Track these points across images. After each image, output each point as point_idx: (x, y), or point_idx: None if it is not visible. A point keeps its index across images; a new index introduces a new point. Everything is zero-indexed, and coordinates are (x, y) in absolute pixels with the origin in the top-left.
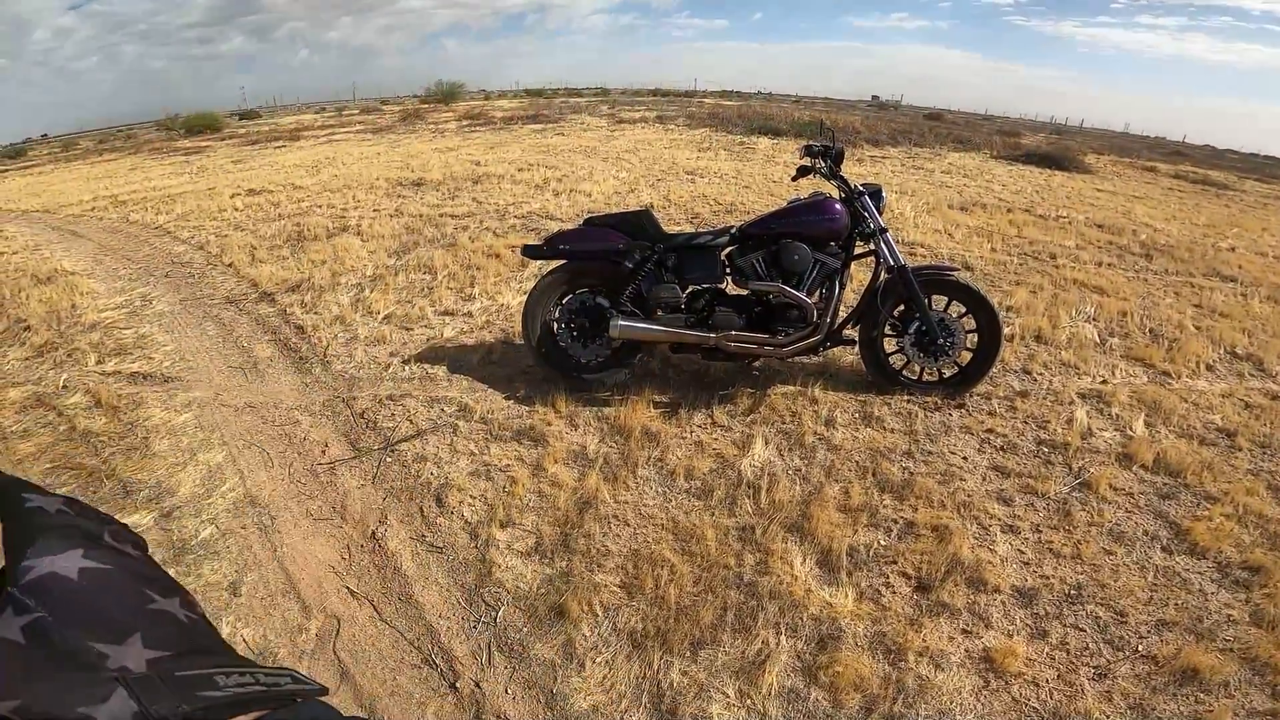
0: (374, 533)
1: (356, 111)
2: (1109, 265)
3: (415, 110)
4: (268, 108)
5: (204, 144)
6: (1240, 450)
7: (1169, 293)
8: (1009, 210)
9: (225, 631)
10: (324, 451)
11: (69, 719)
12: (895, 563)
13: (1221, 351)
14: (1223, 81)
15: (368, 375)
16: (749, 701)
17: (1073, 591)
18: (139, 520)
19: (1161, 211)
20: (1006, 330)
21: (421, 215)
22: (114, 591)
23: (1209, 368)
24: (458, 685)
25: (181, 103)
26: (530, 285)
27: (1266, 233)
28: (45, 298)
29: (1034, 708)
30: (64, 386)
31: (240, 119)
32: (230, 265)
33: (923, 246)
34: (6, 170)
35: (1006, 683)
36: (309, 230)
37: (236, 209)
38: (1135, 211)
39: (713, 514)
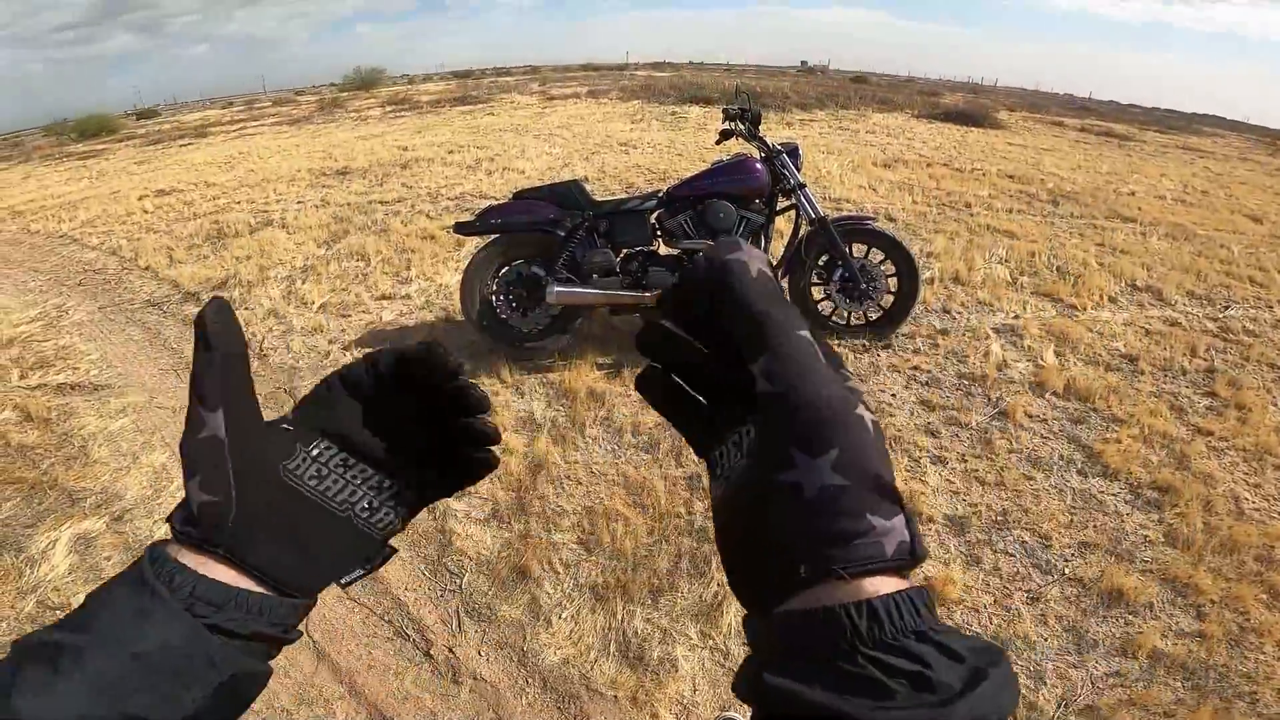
0: None
1: (269, 104)
2: (1019, 212)
3: (334, 99)
4: (168, 106)
5: (100, 147)
6: (1143, 374)
7: (1074, 234)
8: (929, 165)
9: None
10: None
11: None
12: None
13: (1123, 284)
14: (1125, 37)
15: (308, 365)
16: (711, 641)
17: (999, 518)
18: (91, 526)
19: (1068, 162)
20: (926, 274)
21: (349, 204)
22: None
23: (1112, 300)
24: (432, 653)
25: (69, 107)
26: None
27: (1164, 178)
28: None
29: (976, 633)
30: None
31: (138, 118)
32: (147, 268)
33: (849, 201)
34: None
35: (948, 610)
36: (229, 227)
37: (146, 211)
38: (1044, 163)
39: (661, 466)
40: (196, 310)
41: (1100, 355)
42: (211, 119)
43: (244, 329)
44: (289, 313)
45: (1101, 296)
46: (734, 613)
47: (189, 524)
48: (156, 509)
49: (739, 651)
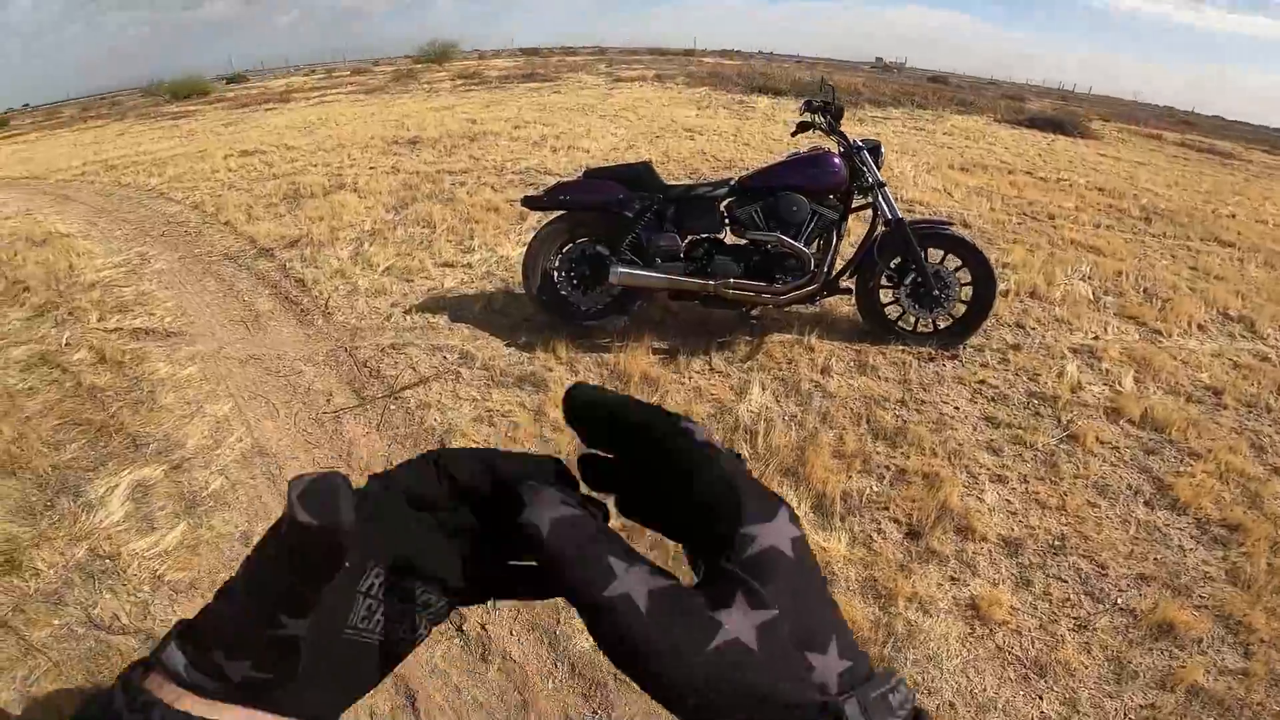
0: None
1: (347, 73)
2: (1108, 227)
3: (408, 70)
4: (256, 71)
5: (192, 109)
6: (1226, 409)
7: (1166, 255)
8: (1010, 172)
9: None
10: (329, 400)
11: None
12: (887, 508)
13: (1214, 313)
14: (1234, 51)
15: (370, 325)
16: None
17: (1056, 542)
18: (149, 474)
19: (1164, 177)
20: (1002, 285)
21: (418, 172)
22: (817, 575)
23: (1201, 328)
24: (464, 629)
25: (167, 70)
26: (529, 238)
27: (1269, 201)
28: (42, 259)
29: (1017, 656)
30: (67, 344)
31: (228, 83)
32: (227, 223)
33: (921, 204)
34: None
35: (991, 630)
36: (305, 188)
37: (230, 170)
38: (1138, 177)
39: None
40: (270, 265)
41: (1183, 385)
42: (295, 85)
43: (311, 286)
44: (355, 273)
45: (1190, 323)
46: None
47: (202, 672)
48: (214, 460)
49: None
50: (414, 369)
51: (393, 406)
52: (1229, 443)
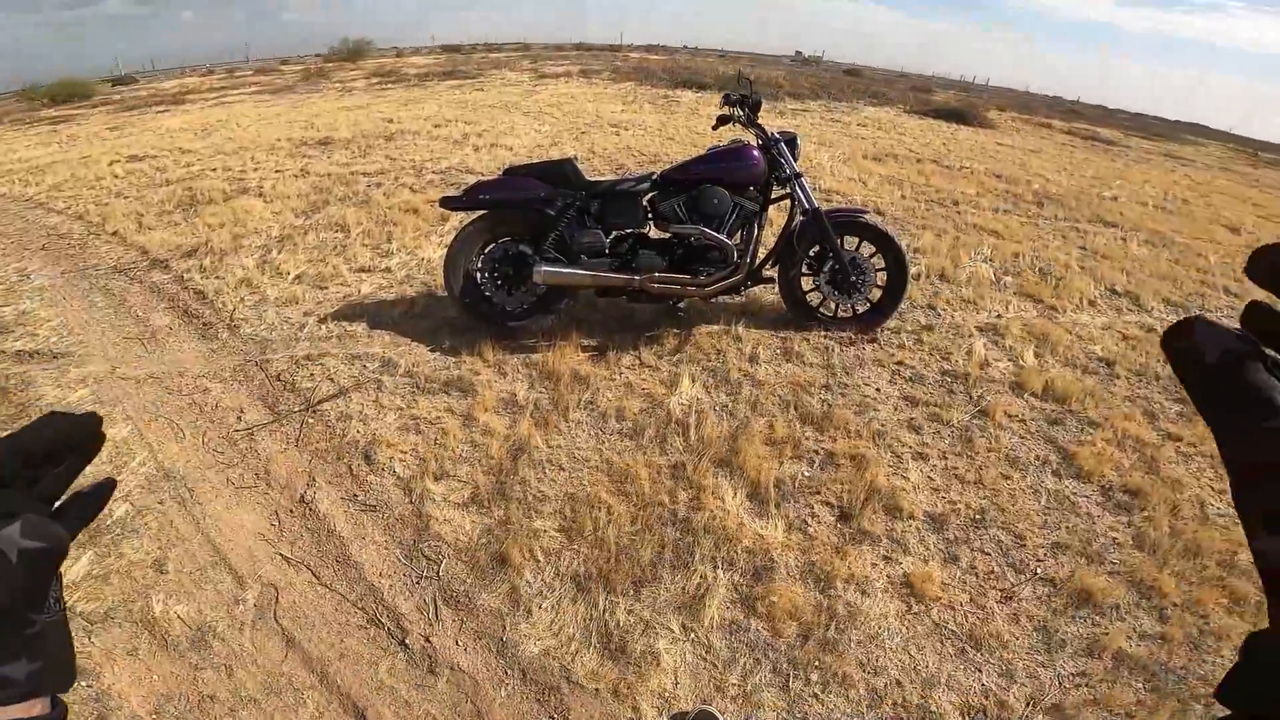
0: (303, 496)
1: (250, 72)
2: (1005, 212)
3: (319, 69)
4: (146, 72)
5: (73, 112)
6: (1119, 378)
7: (1057, 236)
8: (918, 161)
9: (157, 610)
10: (239, 418)
11: None
12: (819, 493)
13: (1103, 289)
14: (1121, 45)
15: (281, 337)
16: (693, 635)
17: (977, 516)
18: None
19: (1054, 164)
20: (913, 269)
21: (330, 174)
22: None
23: (1091, 303)
24: (407, 642)
25: (51, 73)
26: (450, 239)
27: (1147, 184)
28: None
29: (953, 630)
30: None
31: (114, 85)
32: (115, 234)
33: (839, 193)
34: None
35: (927, 607)
36: (202, 194)
37: (117, 176)
38: (1031, 164)
39: (645, 453)
40: (166, 277)
41: (1078, 358)
42: (190, 86)
43: (213, 297)
44: (263, 282)
45: (1082, 300)
46: (716, 606)
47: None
48: (116, 487)
49: (721, 645)
50: (332, 380)
51: (311, 420)
52: (1124, 411)
